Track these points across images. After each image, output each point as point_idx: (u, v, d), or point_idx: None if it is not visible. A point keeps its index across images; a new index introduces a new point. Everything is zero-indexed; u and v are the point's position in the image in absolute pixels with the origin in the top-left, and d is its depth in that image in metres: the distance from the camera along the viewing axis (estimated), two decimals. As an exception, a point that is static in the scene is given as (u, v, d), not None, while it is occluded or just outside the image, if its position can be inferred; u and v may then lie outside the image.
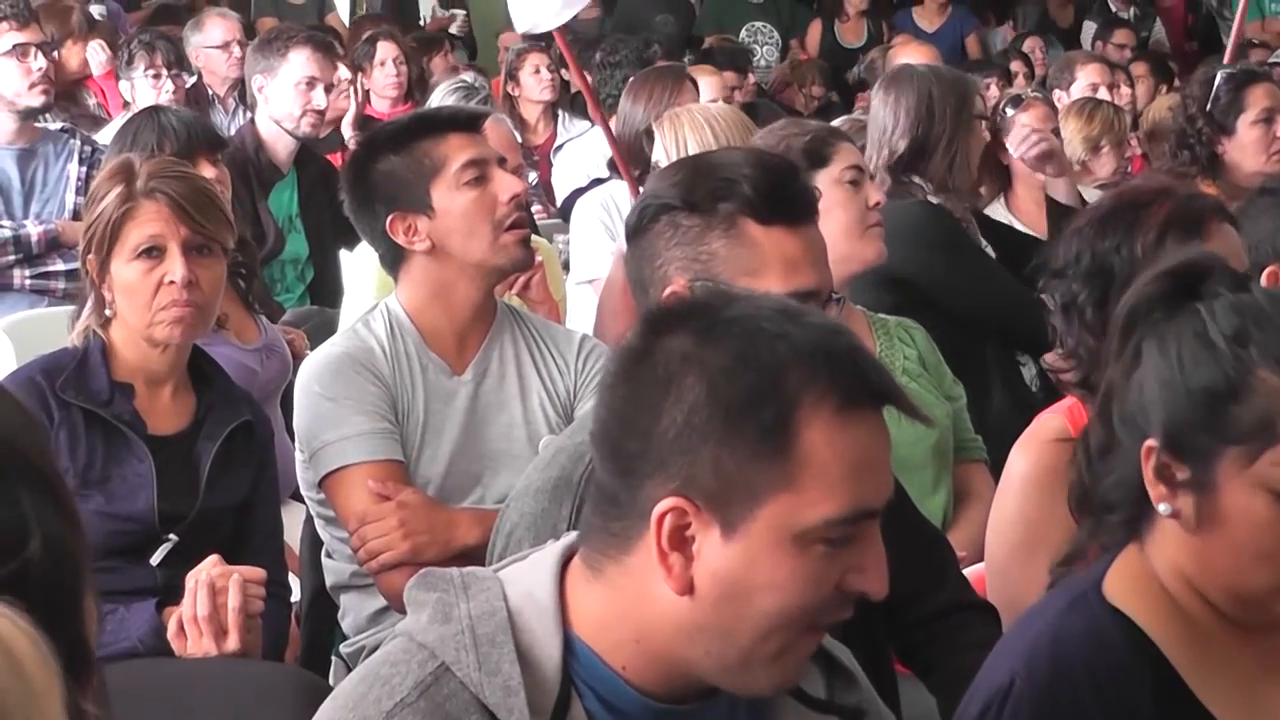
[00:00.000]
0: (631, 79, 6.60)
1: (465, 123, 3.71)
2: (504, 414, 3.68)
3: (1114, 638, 2.15)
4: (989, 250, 4.90)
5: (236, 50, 7.85)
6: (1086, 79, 7.96)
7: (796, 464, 1.85)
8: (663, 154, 4.50)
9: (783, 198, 2.78)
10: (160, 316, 3.50)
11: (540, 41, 8.85)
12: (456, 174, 3.60)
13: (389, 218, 3.60)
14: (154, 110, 5.17)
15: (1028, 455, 3.12)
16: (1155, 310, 2.16)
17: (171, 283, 3.49)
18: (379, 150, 3.66)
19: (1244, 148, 5.49)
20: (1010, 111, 6.26)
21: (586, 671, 1.94)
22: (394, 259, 3.67)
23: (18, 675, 0.95)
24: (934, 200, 4.78)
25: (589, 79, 7.10)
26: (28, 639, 0.97)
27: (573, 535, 2.04)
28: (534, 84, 8.72)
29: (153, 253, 3.50)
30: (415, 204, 3.60)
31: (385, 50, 8.57)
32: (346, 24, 10.72)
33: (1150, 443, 2.12)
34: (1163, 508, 2.13)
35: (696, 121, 4.65)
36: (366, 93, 8.41)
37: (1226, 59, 7.42)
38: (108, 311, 3.54)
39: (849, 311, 3.70)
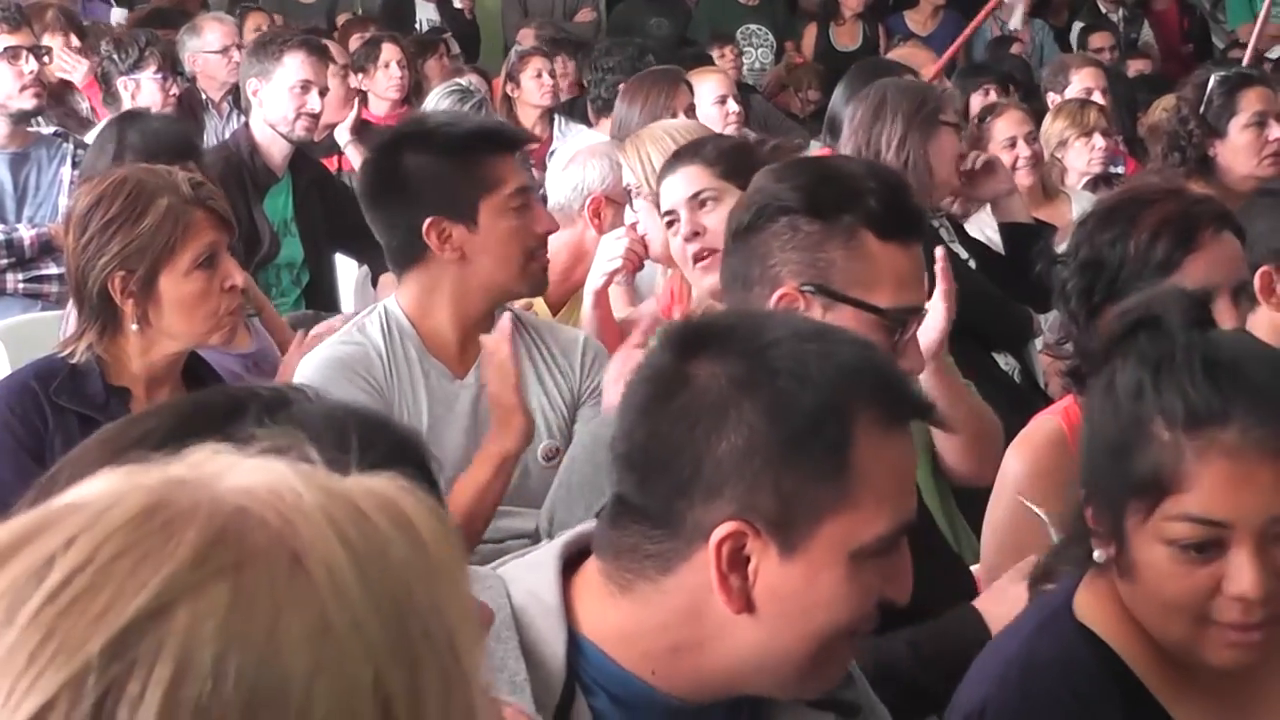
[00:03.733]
0: (625, 83, 6.61)
1: (519, 141, 3.77)
2: None
3: (1084, 659, 2.16)
4: (965, 255, 4.91)
5: (235, 55, 7.84)
6: (1080, 83, 7.97)
7: (854, 482, 1.88)
8: (630, 175, 4.49)
9: (902, 215, 2.83)
10: (224, 322, 3.53)
11: (548, 45, 8.88)
12: (509, 197, 3.60)
13: (429, 219, 3.57)
14: (129, 117, 5.16)
15: (1022, 457, 3.12)
16: (1110, 356, 2.18)
17: (233, 287, 3.51)
18: (421, 147, 3.62)
19: (1236, 151, 5.48)
20: (983, 119, 6.30)
21: (597, 671, 1.96)
22: (409, 257, 3.65)
23: (420, 550, 0.93)
24: None
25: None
26: (430, 513, 0.95)
27: (569, 536, 2.05)
28: (534, 88, 8.71)
29: (209, 261, 3.50)
30: (460, 214, 3.58)
31: (390, 52, 8.57)
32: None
33: (1081, 492, 2.18)
34: (1097, 554, 2.17)
35: (656, 135, 4.66)
36: (363, 95, 8.40)
37: (1246, 61, 7.44)
38: (133, 327, 3.49)
39: None
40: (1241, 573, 2.04)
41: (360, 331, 3.67)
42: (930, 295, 3.14)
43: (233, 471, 0.93)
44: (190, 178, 3.58)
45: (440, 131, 3.69)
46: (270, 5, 10.79)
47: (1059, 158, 6.85)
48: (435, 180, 3.58)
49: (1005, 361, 5.09)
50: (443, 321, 3.66)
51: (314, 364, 3.65)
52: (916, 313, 2.85)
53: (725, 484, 1.88)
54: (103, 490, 0.92)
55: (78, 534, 0.88)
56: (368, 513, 0.92)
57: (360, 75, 8.51)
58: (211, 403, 1.51)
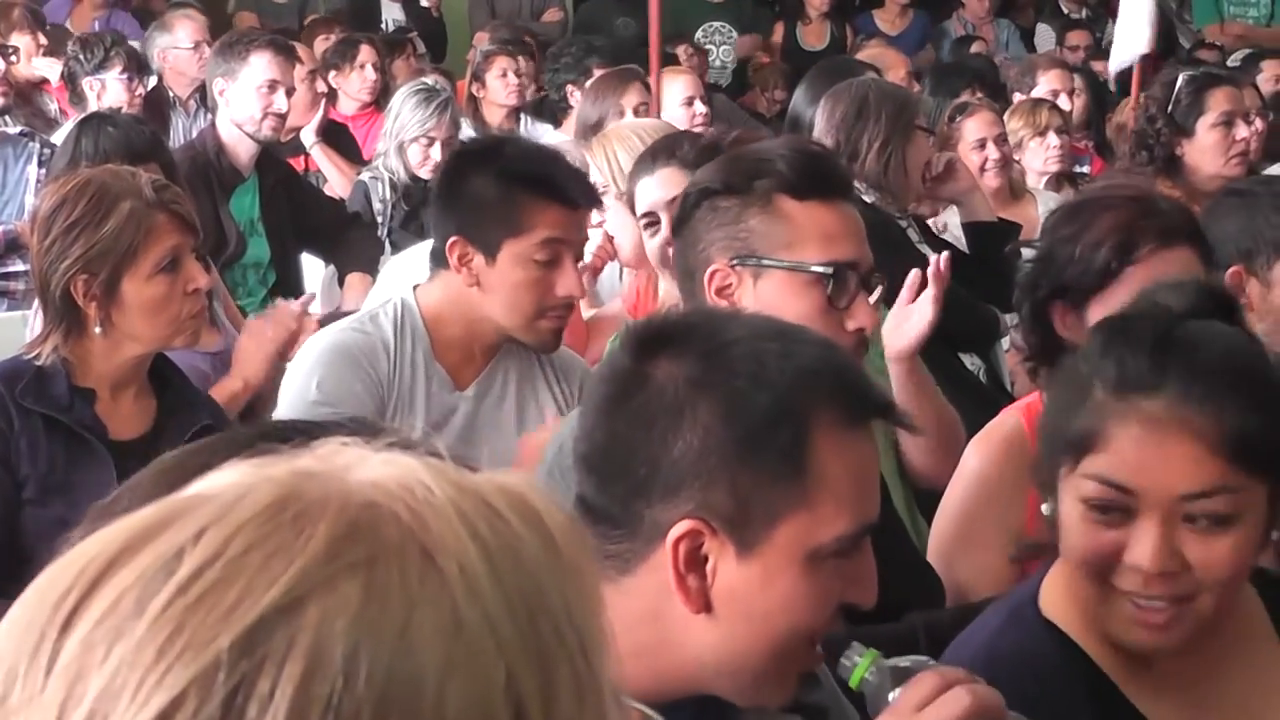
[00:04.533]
0: (590, 81, 6.63)
1: (579, 197, 3.60)
2: (498, 435, 3.63)
3: (1048, 653, 2.17)
4: (930, 253, 4.91)
5: (207, 51, 7.82)
6: (1048, 84, 7.99)
7: (811, 483, 1.87)
8: (598, 174, 4.49)
9: (816, 174, 2.86)
10: (187, 325, 3.52)
11: (509, 46, 8.87)
12: (535, 246, 3.50)
13: (455, 236, 3.53)
14: (94, 119, 5.14)
15: (980, 452, 3.13)
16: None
17: (196, 290, 3.50)
18: (480, 164, 3.58)
19: (1203, 150, 5.49)
20: (954, 119, 6.30)
21: None
22: (440, 261, 3.60)
23: (551, 549, 0.91)
24: (868, 199, 4.81)
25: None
26: (560, 512, 0.93)
27: None
28: (499, 87, 8.70)
29: (173, 265, 3.49)
30: (483, 243, 3.52)
31: (366, 54, 8.56)
32: None
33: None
34: (1044, 507, 2.21)
35: (623, 134, 4.65)
36: (332, 93, 8.38)
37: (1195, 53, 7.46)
38: (97, 330, 3.48)
39: None
40: (1140, 543, 2.07)
41: (372, 322, 3.62)
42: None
43: (362, 465, 0.91)
44: (154, 180, 3.56)
45: (500, 156, 3.61)
46: (246, 4, 10.75)
47: (1016, 159, 6.87)
48: (473, 201, 3.53)
49: (970, 362, 5.10)
50: (455, 333, 3.62)
51: (320, 346, 3.61)
52: (853, 267, 2.85)
53: (682, 484, 1.88)
54: (231, 482, 0.90)
55: (207, 526, 0.87)
56: (499, 509, 0.91)
57: (333, 73, 8.49)
58: (275, 432, 1.49)
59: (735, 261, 2.83)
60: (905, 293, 3.44)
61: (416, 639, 0.84)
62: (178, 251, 3.49)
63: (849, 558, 1.91)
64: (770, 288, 2.83)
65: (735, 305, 2.82)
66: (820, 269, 2.83)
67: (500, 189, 3.51)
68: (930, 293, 3.43)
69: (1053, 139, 6.91)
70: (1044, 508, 2.19)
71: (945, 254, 3.58)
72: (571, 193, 3.57)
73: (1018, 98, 7.90)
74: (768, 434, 1.87)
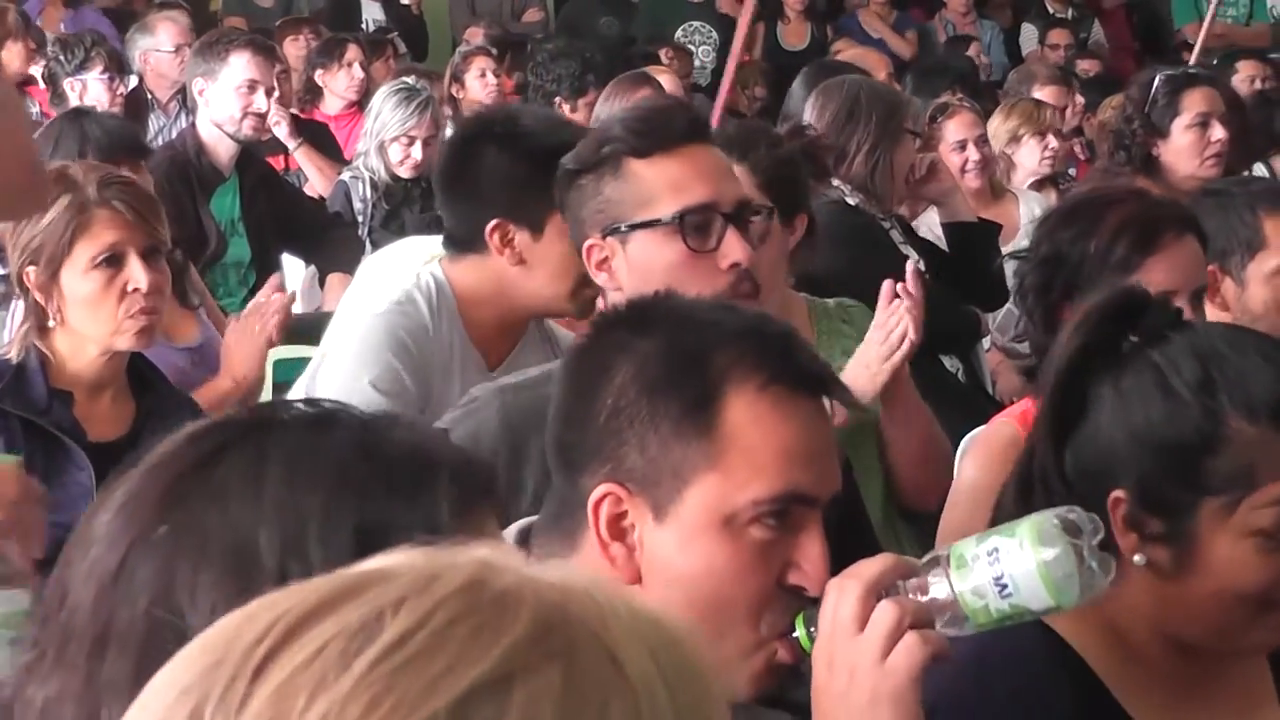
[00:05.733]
0: (608, 87, 6.64)
1: None
2: None
3: (1039, 653, 2.14)
4: (915, 257, 4.91)
5: (188, 54, 7.81)
6: (1044, 98, 7.95)
7: (721, 442, 1.84)
8: None
9: (655, 128, 2.85)
10: (126, 325, 3.49)
11: (489, 45, 8.88)
12: None
13: (495, 221, 3.47)
14: (77, 114, 5.13)
15: (977, 464, 3.12)
16: (1096, 356, 2.11)
17: (136, 290, 3.47)
18: (505, 146, 3.53)
19: (1178, 151, 5.49)
20: (936, 119, 6.31)
21: None
22: (470, 247, 3.55)
23: (712, 688, 0.92)
24: (851, 202, 4.81)
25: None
26: (710, 662, 0.93)
27: (519, 525, 2.04)
28: (479, 87, 8.71)
29: (111, 261, 3.48)
30: (527, 220, 3.48)
31: (354, 53, 8.56)
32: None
33: (1118, 494, 2.07)
34: (1137, 559, 2.07)
35: None
36: (318, 91, 8.38)
37: (1193, 61, 7.47)
38: (50, 323, 3.50)
39: (788, 297, 3.70)
40: None
41: (410, 302, 3.57)
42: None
43: (529, 566, 0.92)
44: (105, 177, 3.55)
45: (520, 132, 3.58)
46: (232, 8, 10.74)
47: (1009, 153, 6.86)
48: (510, 183, 3.49)
49: (950, 362, 5.10)
50: (488, 314, 3.57)
51: (366, 332, 3.54)
52: (711, 208, 2.83)
53: (602, 447, 1.88)
54: (411, 562, 0.90)
55: (406, 596, 0.87)
56: (670, 630, 0.92)
57: (319, 71, 8.49)
58: (268, 416, 1.47)
59: (603, 233, 2.85)
60: (881, 300, 3.45)
61: None
62: (117, 249, 3.48)
63: (786, 533, 1.86)
64: (637, 250, 2.83)
65: (615, 278, 2.85)
66: (669, 218, 2.81)
67: (534, 164, 3.44)
68: (905, 304, 3.43)
69: (1052, 141, 6.92)
70: (1137, 559, 2.07)
71: (911, 264, 3.57)
72: None
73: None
74: (673, 389, 1.85)
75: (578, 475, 1.90)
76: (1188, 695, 2.17)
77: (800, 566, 1.86)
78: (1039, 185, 6.80)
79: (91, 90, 7.20)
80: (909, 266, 3.51)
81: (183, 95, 7.53)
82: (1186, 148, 5.48)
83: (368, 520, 1.32)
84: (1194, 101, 5.51)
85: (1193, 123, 5.48)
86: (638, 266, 2.82)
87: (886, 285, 3.46)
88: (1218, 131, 5.45)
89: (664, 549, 1.86)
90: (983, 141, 6.37)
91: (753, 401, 1.85)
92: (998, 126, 6.91)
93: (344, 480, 1.35)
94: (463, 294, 3.58)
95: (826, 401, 1.95)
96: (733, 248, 2.83)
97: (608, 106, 6.18)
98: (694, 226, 2.82)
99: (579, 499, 1.89)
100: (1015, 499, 2.20)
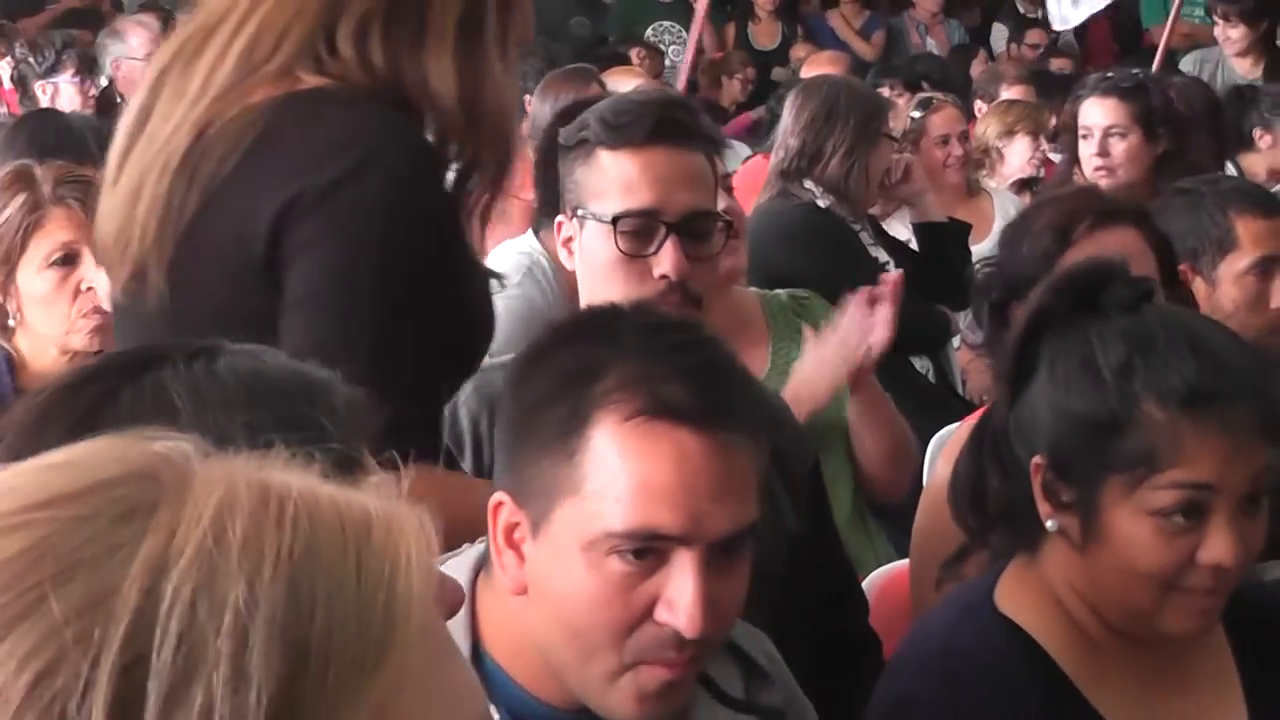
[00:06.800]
0: (543, 81, 6.62)
1: None
2: None
3: (1006, 649, 2.16)
4: (885, 259, 4.93)
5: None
6: (1010, 96, 7.97)
7: (583, 469, 1.81)
8: None
9: (627, 122, 2.84)
10: (79, 325, 3.48)
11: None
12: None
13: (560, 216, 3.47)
14: (45, 114, 5.11)
15: (950, 463, 3.13)
16: (1052, 322, 2.17)
17: (90, 289, 3.46)
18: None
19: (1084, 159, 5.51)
20: (918, 114, 6.31)
21: (498, 690, 1.92)
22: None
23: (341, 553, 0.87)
24: (822, 204, 4.81)
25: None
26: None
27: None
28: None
29: (66, 261, 3.47)
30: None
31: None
32: None
33: (1038, 460, 2.16)
34: (1050, 524, 2.16)
35: None
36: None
37: (1157, 64, 7.46)
38: (10, 322, 3.50)
39: (741, 294, 3.70)
40: (1219, 541, 2.07)
41: (531, 280, 3.63)
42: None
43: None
44: (64, 175, 3.54)
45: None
46: (171, 2, 10.68)
47: (1000, 147, 6.86)
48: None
49: (920, 362, 5.11)
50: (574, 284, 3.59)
51: (507, 310, 3.51)
52: (654, 214, 2.81)
53: (509, 452, 1.90)
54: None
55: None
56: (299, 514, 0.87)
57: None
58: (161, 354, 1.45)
59: (570, 213, 2.88)
60: (852, 306, 3.46)
61: None
62: (71, 248, 3.48)
63: (652, 567, 1.81)
64: (588, 239, 2.84)
65: (573, 258, 2.88)
66: (607, 217, 2.81)
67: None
68: (882, 314, 3.44)
69: (1044, 144, 6.93)
70: (1049, 524, 2.15)
71: (894, 274, 3.58)
72: None
73: (979, 105, 7.93)
74: (545, 408, 1.84)
75: (496, 478, 1.93)
76: (1151, 685, 2.19)
77: (671, 604, 1.81)
78: (1019, 186, 6.81)
79: (64, 93, 7.17)
80: (891, 278, 3.51)
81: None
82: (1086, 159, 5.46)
83: (287, 436, 1.32)
84: (1087, 112, 5.45)
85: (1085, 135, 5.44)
86: (585, 254, 2.85)
87: (861, 292, 3.47)
88: (1115, 145, 5.41)
89: (539, 565, 1.86)
90: (964, 138, 6.39)
91: (618, 432, 1.81)
92: (994, 119, 6.92)
93: (252, 401, 1.34)
94: (559, 267, 3.59)
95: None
96: (666, 258, 2.80)
97: (541, 102, 6.14)
98: (630, 230, 2.80)
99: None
100: (968, 456, 2.25)
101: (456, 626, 1.90)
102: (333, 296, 2.12)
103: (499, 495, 1.88)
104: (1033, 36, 11.90)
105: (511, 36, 2.30)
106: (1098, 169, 5.30)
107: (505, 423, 1.92)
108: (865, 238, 4.96)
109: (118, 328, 2.45)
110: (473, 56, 2.25)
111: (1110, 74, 5.64)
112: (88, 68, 7.38)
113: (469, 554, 2.01)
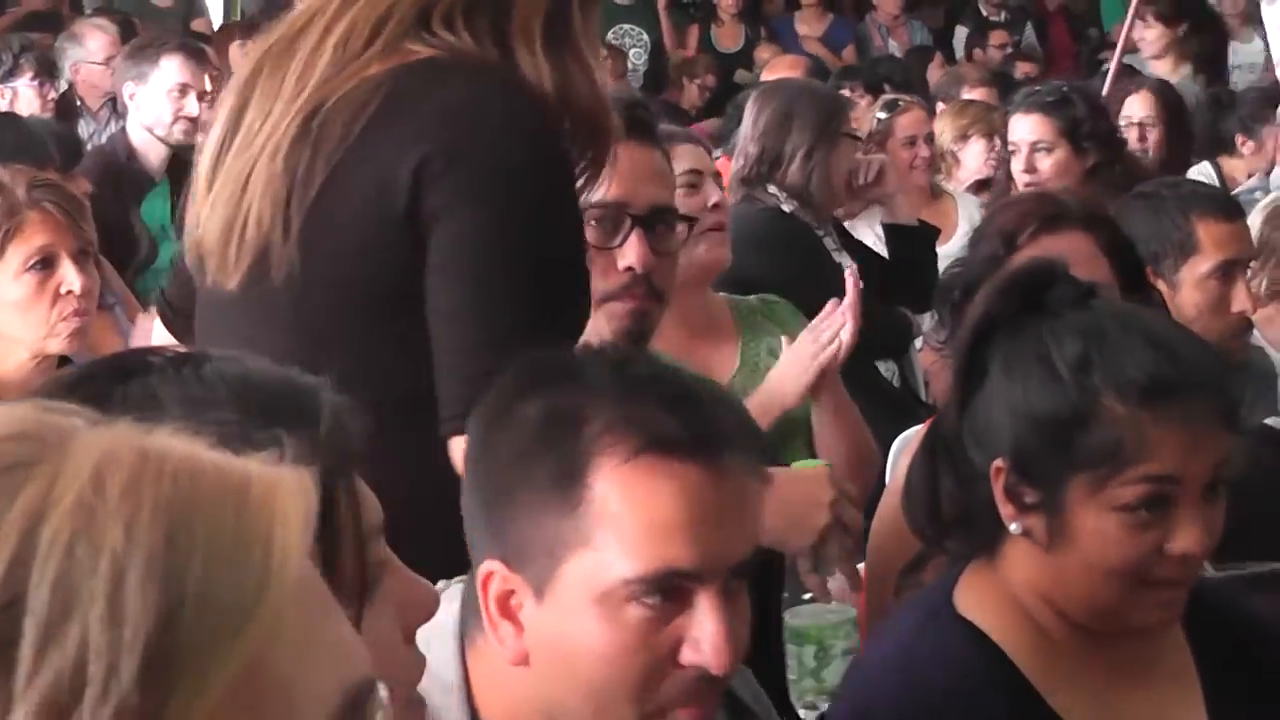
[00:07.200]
0: None
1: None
2: None
3: (967, 653, 2.16)
4: (849, 262, 4.91)
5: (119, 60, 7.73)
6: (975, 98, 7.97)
7: (590, 518, 1.73)
8: None
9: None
10: (59, 328, 3.47)
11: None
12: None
13: None
14: (5, 118, 5.09)
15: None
16: (1000, 324, 2.17)
17: (69, 293, 3.46)
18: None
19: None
20: (884, 115, 6.31)
21: None
22: None
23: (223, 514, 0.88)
24: (786, 209, 4.80)
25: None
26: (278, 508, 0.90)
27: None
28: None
29: (44, 264, 3.45)
30: None
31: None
32: (215, 28, 10.54)
33: (999, 463, 2.14)
34: (1014, 526, 2.15)
35: None
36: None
37: (1113, 67, 7.48)
38: None
39: (710, 300, 3.69)
40: (1188, 530, 2.07)
41: None
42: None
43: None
44: (35, 180, 3.54)
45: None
46: (128, 6, 10.61)
47: (955, 150, 6.87)
48: None
49: (885, 366, 5.11)
50: None
51: None
52: (621, 207, 2.83)
53: (490, 519, 1.80)
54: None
55: None
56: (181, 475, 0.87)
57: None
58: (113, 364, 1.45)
59: None
60: (821, 318, 3.46)
61: None
62: (49, 251, 3.47)
63: (673, 609, 1.75)
64: None
65: None
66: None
67: None
68: (850, 324, 3.44)
69: (997, 144, 6.92)
70: (1013, 527, 2.14)
71: (851, 278, 3.57)
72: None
73: (941, 108, 7.93)
74: (543, 463, 1.75)
75: (476, 552, 1.82)
76: (1112, 683, 2.19)
77: (697, 644, 1.75)
78: (978, 187, 6.80)
79: (23, 97, 7.13)
80: (849, 282, 3.51)
81: (114, 102, 7.47)
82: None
83: (275, 437, 1.31)
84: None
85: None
86: None
87: (830, 305, 3.47)
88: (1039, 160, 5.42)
89: (546, 629, 1.76)
90: (930, 140, 6.39)
91: (620, 472, 1.73)
92: (948, 123, 6.92)
93: (239, 405, 1.34)
94: None
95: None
96: (631, 251, 2.83)
97: None
98: (596, 220, 2.81)
99: (479, 576, 1.81)
100: (921, 462, 2.24)
101: (452, 701, 1.83)
102: (489, 255, 2.17)
103: (487, 566, 1.77)
104: (996, 38, 11.91)
105: (593, 31, 2.37)
106: (1026, 185, 5.31)
107: (477, 489, 1.82)
108: (829, 243, 4.94)
109: (217, 326, 2.40)
110: (560, 52, 2.30)
111: (1037, 88, 5.66)
112: (47, 71, 7.34)
113: (444, 626, 1.86)
